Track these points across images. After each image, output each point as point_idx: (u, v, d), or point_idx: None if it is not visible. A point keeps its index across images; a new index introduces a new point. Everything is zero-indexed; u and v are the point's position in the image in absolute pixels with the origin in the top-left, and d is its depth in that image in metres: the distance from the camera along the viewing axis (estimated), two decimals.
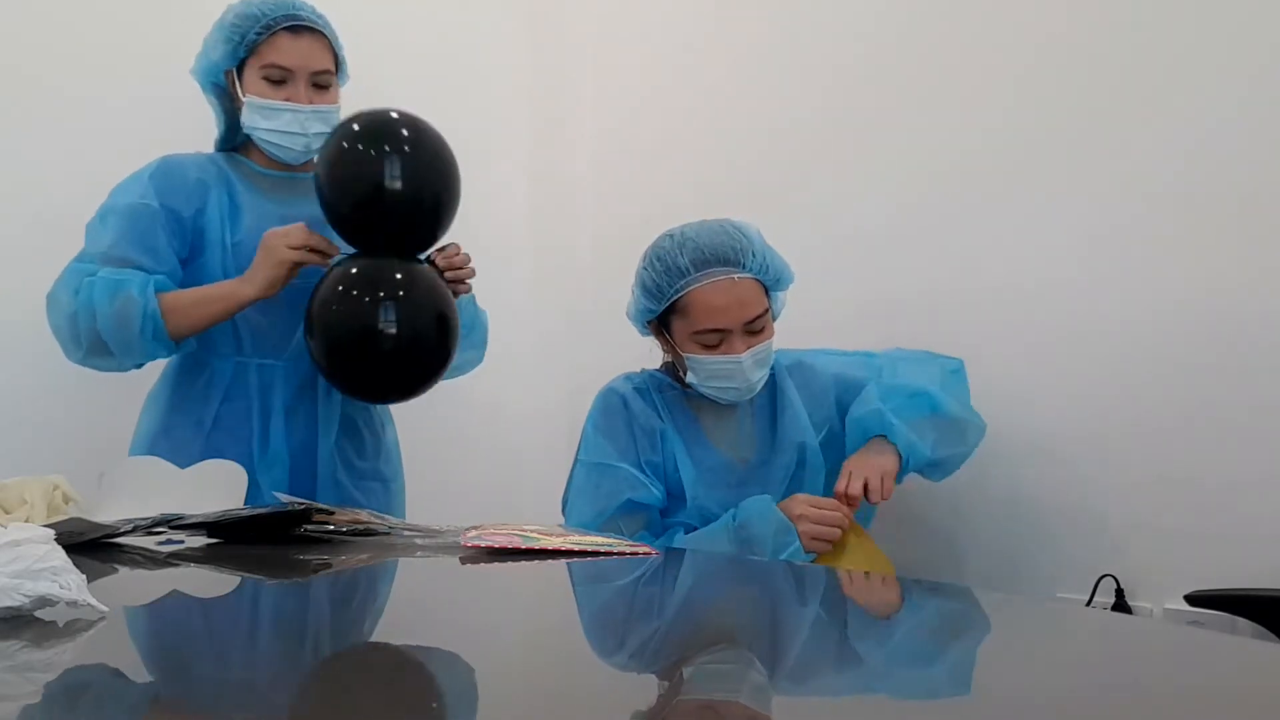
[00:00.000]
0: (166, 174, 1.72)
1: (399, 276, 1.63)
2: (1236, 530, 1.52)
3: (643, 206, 2.56)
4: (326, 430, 1.75)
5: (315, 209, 1.69)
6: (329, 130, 1.72)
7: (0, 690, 0.61)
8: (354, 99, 2.13)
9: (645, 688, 0.67)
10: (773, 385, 1.70)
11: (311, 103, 1.72)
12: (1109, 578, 1.63)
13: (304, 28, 1.71)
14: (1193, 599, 1.48)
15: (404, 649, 0.78)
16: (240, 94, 1.73)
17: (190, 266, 1.71)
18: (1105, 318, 1.68)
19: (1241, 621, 1.45)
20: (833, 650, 0.81)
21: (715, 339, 1.56)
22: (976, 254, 1.87)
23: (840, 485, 1.54)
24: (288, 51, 1.69)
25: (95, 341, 1.63)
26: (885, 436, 1.58)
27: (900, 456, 1.56)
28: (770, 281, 1.59)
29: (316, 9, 1.77)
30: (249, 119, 1.72)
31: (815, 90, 2.20)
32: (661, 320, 1.62)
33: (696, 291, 1.55)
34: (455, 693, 0.64)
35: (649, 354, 1.74)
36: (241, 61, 1.72)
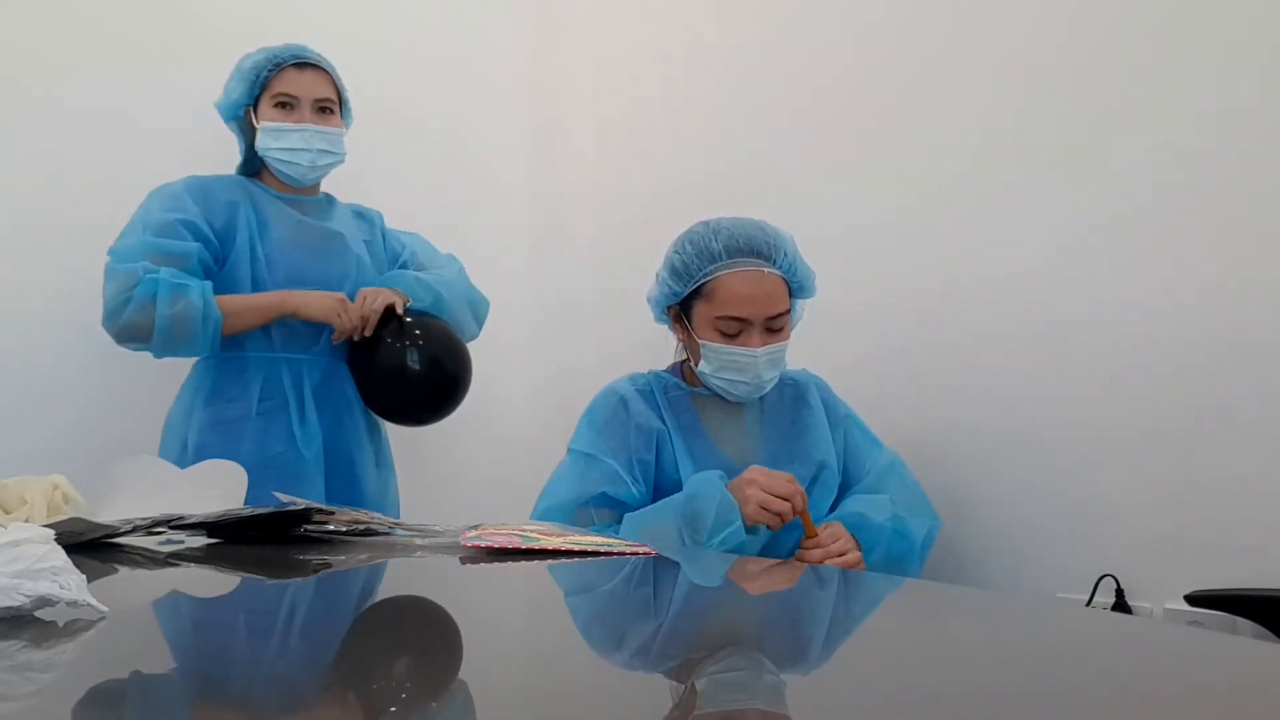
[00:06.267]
0: (199, 190, 1.99)
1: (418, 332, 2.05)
2: (1236, 530, 1.52)
3: (642, 204, 2.56)
4: (349, 409, 2.07)
5: (329, 225, 2.07)
6: (333, 150, 2.03)
7: (0, 690, 0.61)
8: (356, 99, 2.15)
9: (659, 691, 0.67)
10: (796, 393, 1.70)
11: (315, 124, 2.00)
12: (1109, 578, 1.63)
13: (308, 64, 2.02)
14: (1193, 599, 1.48)
15: (404, 650, 0.78)
16: (255, 123, 2.02)
17: (217, 275, 1.96)
18: (1106, 317, 1.68)
19: (1241, 621, 1.45)
20: (830, 650, 0.81)
21: (735, 328, 1.56)
22: (978, 251, 1.87)
23: (824, 532, 1.52)
24: (294, 82, 2.00)
25: (139, 330, 1.86)
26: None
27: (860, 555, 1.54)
28: (796, 285, 1.60)
29: (322, 54, 2.06)
30: (263, 142, 2.01)
31: (815, 86, 2.20)
32: (683, 305, 1.62)
33: (725, 277, 1.56)
34: (459, 694, 0.64)
35: (646, 350, 1.74)
36: (257, 98, 2.02)
